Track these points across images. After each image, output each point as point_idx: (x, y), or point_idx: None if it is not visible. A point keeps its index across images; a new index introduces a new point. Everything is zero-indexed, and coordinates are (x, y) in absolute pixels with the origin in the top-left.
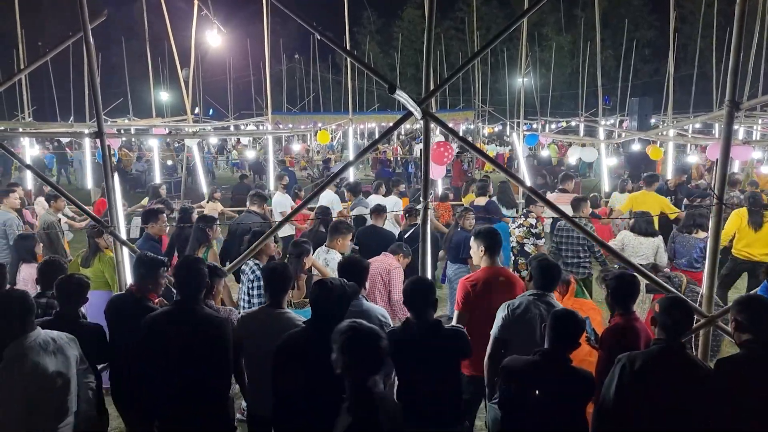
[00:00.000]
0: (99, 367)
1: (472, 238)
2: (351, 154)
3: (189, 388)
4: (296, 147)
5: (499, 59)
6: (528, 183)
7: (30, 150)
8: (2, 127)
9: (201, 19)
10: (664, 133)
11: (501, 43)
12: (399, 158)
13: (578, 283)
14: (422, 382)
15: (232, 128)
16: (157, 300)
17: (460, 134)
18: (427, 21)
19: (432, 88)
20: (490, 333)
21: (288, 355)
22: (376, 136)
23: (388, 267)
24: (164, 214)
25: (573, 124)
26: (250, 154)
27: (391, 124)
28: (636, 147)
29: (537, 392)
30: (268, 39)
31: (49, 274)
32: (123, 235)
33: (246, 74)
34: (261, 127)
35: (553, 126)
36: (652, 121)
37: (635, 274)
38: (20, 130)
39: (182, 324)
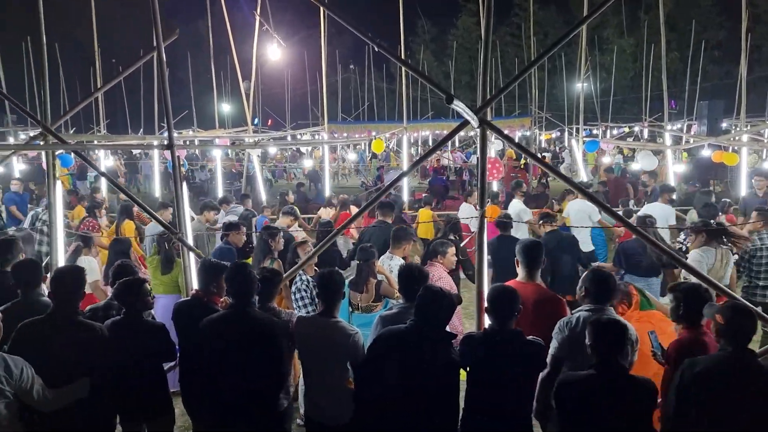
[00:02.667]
0: (166, 366)
1: None
2: (405, 164)
3: (243, 385)
4: (352, 156)
5: (557, 64)
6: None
7: (105, 161)
8: (81, 140)
9: (262, 33)
10: (737, 138)
11: (559, 48)
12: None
13: (642, 294)
14: (496, 389)
15: (289, 138)
16: (222, 301)
17: (516, 141)
18: (483, 29)
19: (488, 96)
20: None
21: (384, 351)
22: (430, 144)
23: (431, 278)
24: (244, 228)
25: (636, 129)
26: (308, 163)
27: (445, 132)
28: (706, 153)
29: (600, 408)
30: (325, 50)
31: (121, 277)
32: (190, 241)
33: (303, 85)
34: (317, 137)
35: (615, 131)
36: (724, 125)
37: (708, 288)
38: (95, 142)
39: (236, 325)
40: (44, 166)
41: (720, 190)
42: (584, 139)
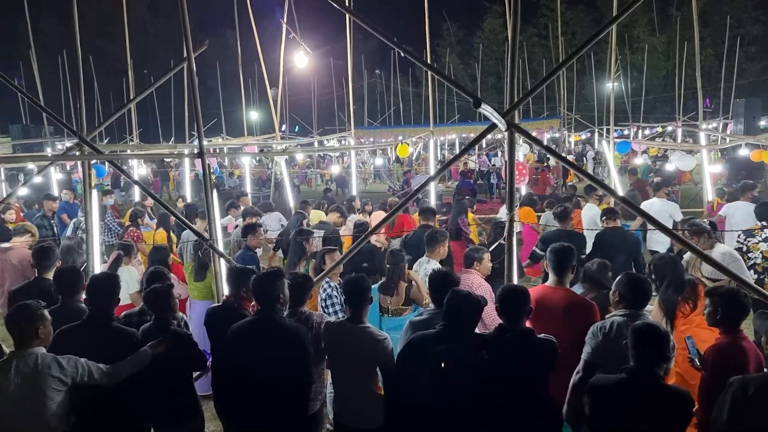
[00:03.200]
0: (195, 374)
1: None
2: (432, 168)
3: (271, 389)
4: (379, 161)
5: (586, 64)
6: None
7: (138, 169)
8: (115, 150)
9: (289, 41)
10: None
11: (588, 48)
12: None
13: None
14: (510, 387)
15: (316, 144)
16: (252, 305)
17: (545, 143)
18: (510, 31)
19: (516, 98)
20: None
21: (414, 356)
22: (457, 148)
23: (470, 286)
24: (261, 228)
25: (669, 129)
26: (335, 169)
27: (472, 135)
28: (744, 152)
29: (628, 415)
30: (351, 57)
31: (153, 283)
32: (221, 248)
33: (329, 91)
34: (344, 142)
35: (647, 132)
36: (762, 123)
37: (747, 292)
38: (128, 151)
39: (262, 331)
40: (79, 176)
41: (760, 189)
42: (615, 140)
